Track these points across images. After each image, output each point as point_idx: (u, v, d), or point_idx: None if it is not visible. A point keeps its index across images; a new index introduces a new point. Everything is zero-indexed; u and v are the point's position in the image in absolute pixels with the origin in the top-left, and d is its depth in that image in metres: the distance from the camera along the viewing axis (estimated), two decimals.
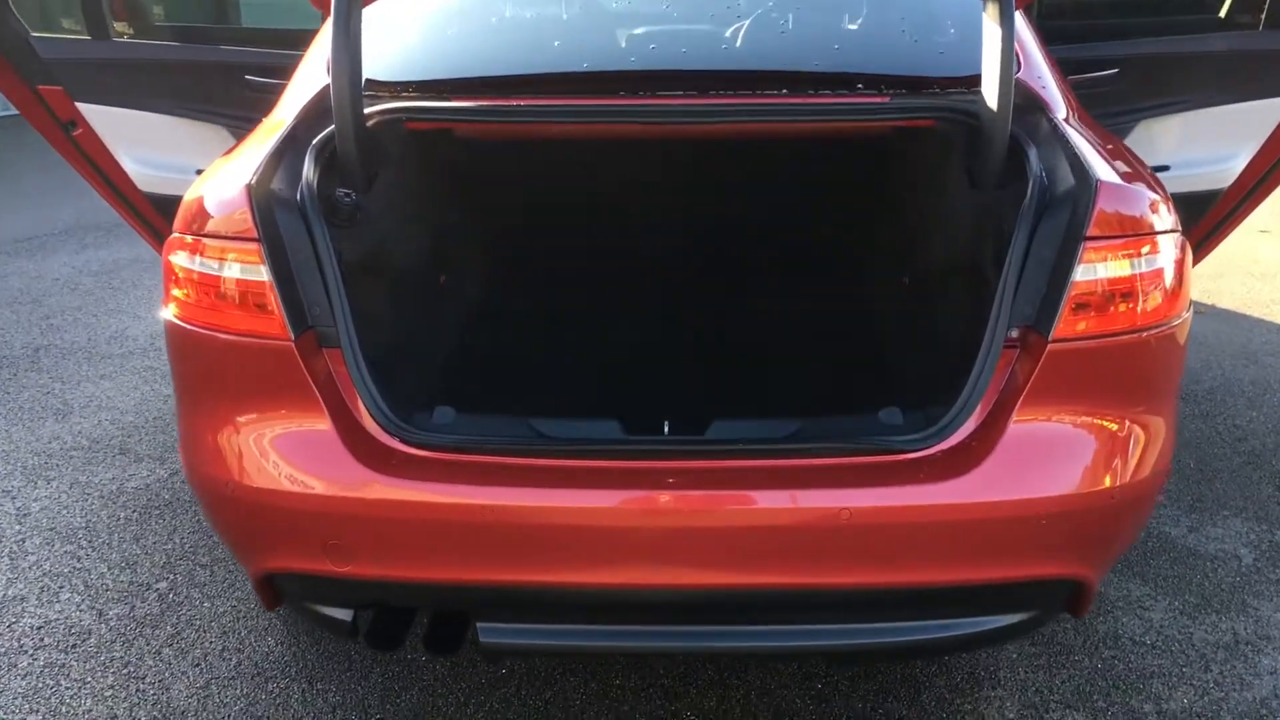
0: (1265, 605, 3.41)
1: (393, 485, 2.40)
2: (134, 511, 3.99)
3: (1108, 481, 2.41)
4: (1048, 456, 2.41)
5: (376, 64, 2.96)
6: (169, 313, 2.55)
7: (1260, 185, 4.12)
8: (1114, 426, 2.45)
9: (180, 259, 2.50)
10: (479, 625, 2.51)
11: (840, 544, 2.38)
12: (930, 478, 2.38)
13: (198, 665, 3.18)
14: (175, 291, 2.52)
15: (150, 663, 3.20)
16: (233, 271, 2.43)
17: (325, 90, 2.79)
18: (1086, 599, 2.57)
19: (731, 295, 3.89)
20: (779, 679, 3.09)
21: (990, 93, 2.61)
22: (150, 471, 4.28)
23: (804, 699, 3.02)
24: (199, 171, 3.05)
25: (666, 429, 2.58)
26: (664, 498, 2.38)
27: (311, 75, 3.03)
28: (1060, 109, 2.79)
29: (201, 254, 2.46)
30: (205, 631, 3.33)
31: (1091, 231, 2.35)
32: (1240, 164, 4.04)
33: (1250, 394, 4.92)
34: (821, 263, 3.99)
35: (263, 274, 2.40)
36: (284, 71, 3.25)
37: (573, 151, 3.64)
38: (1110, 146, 2.68)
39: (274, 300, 2.40)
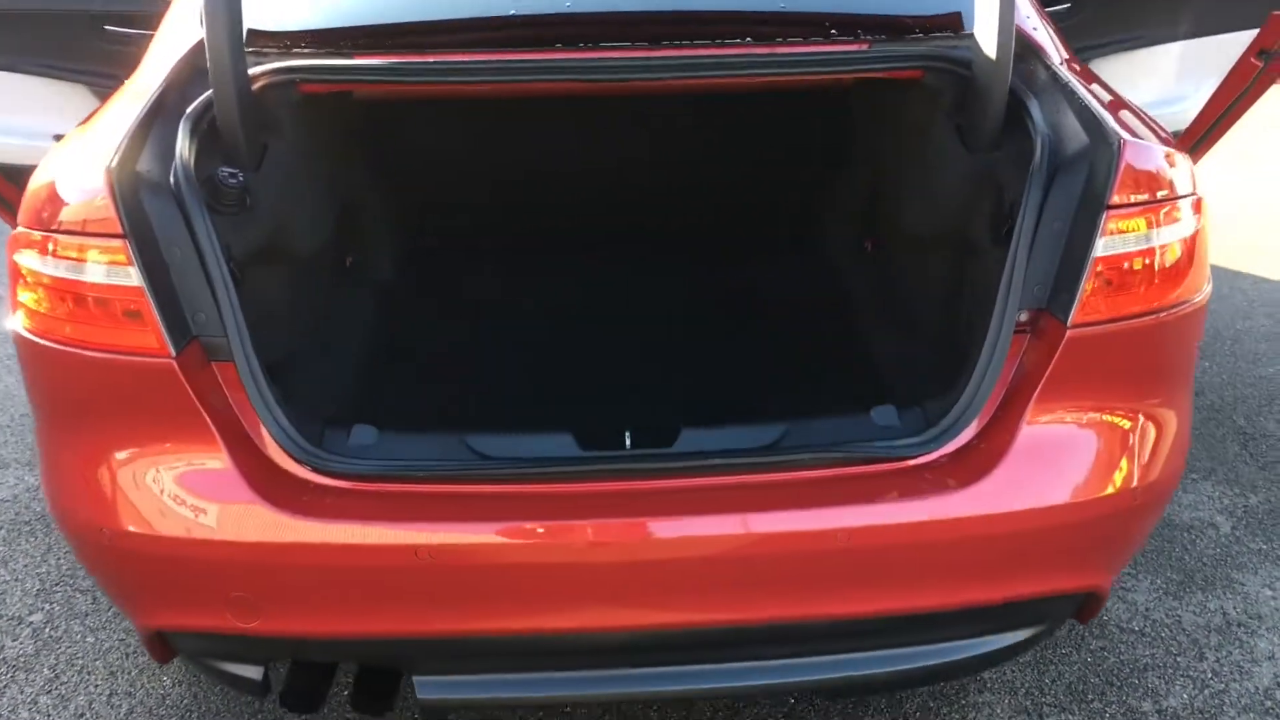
0: (1251, 579, 3.21)
1: (305, 525, 2.01)
2: None
3: (1132, 482, 2.12)
4: (1067, 457, 2.12)
5: (261, 11, 2.48)
6: (18, 323, 2.09)
7: (1216, 126, 3.87)
8: (1135, 420, 2.16)
9: (29, 259, 2.04)
10: (416, 679, 2.14)
11: (836, 569, 2.06)
12: (935, 488, 2.07)
13: (81, 716, 2.75)
14: (25, 297, 2.07)
15: (25, 715, 2.76)
16: (95, 274, 1.99)
17: (200, 46, 2.32)
18: (1097, 606, 2.30)
19: (695, 278, 3.49)
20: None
21: (986, 37, 2.26)
22: (18, 480, 3.78)
23: (776, 715, 2.72)
24: (57, 137, 2.58)
25: (628, 442, 2.21)
26: (628, 525, 2.03)
27: (181, 27, 2.54)
28: (1055, 53, 2.46)
29: (55, 253, 2.01)
30: (89, 673, 2.90)
31: (1115, 199, 2.03)
32: (1194, 106, 3.78)
33: (1201, 344, 4.72)
34: (796, 239, 3.63)
35: (132, 276, 1.97)
36: (149, 20, 2.76)
37: (502, 113, 3.22)
38: (1112, 98, 2.36)
39: (148, 308, 1.97)
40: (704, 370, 2.92)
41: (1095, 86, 2.37)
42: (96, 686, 2.85)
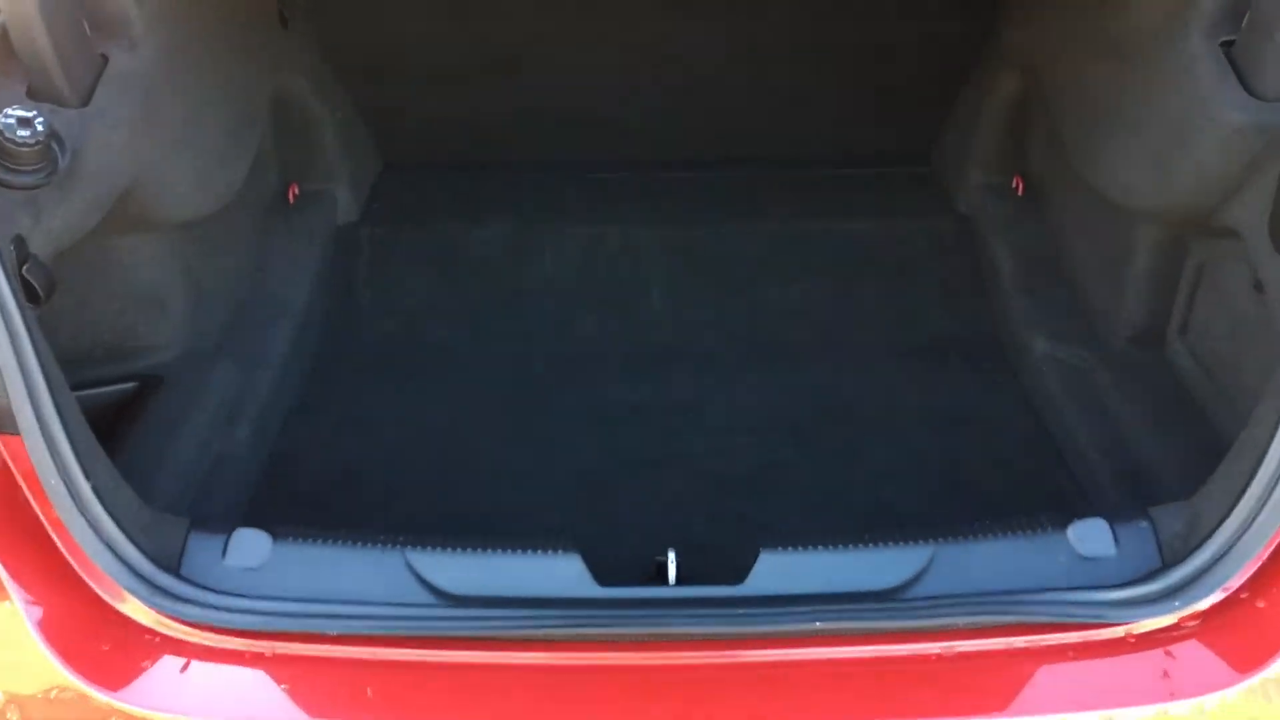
0: None
1: (150, 712, 1.21)
2: None
3: None
4: None
5: None
6: None
7: None
8: None
9: None
10: None
11: None
12: (1189, 678, 1.25)
13: None
14: None
15: None
16: None
17: None
18: None
19: (768, 235, 2.61)
20: None
21: None
22: None
23: None
24: None
25: (671, 568, 1.38)
26: None
27: None
28: None
29: None
30: None
31: None
32: None
33: None
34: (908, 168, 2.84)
35: None
36: None
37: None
38: None
39: None
40: (779, 440, 2.09)
41: None
42: None
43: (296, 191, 2.53)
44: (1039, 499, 1.88)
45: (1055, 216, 2.39)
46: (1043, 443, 2.04)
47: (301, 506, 1.88)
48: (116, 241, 1.83)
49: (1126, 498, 1.72)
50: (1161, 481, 1.70)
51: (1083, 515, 1.40)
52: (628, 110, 2.74)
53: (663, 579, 1.36)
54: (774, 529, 1.66)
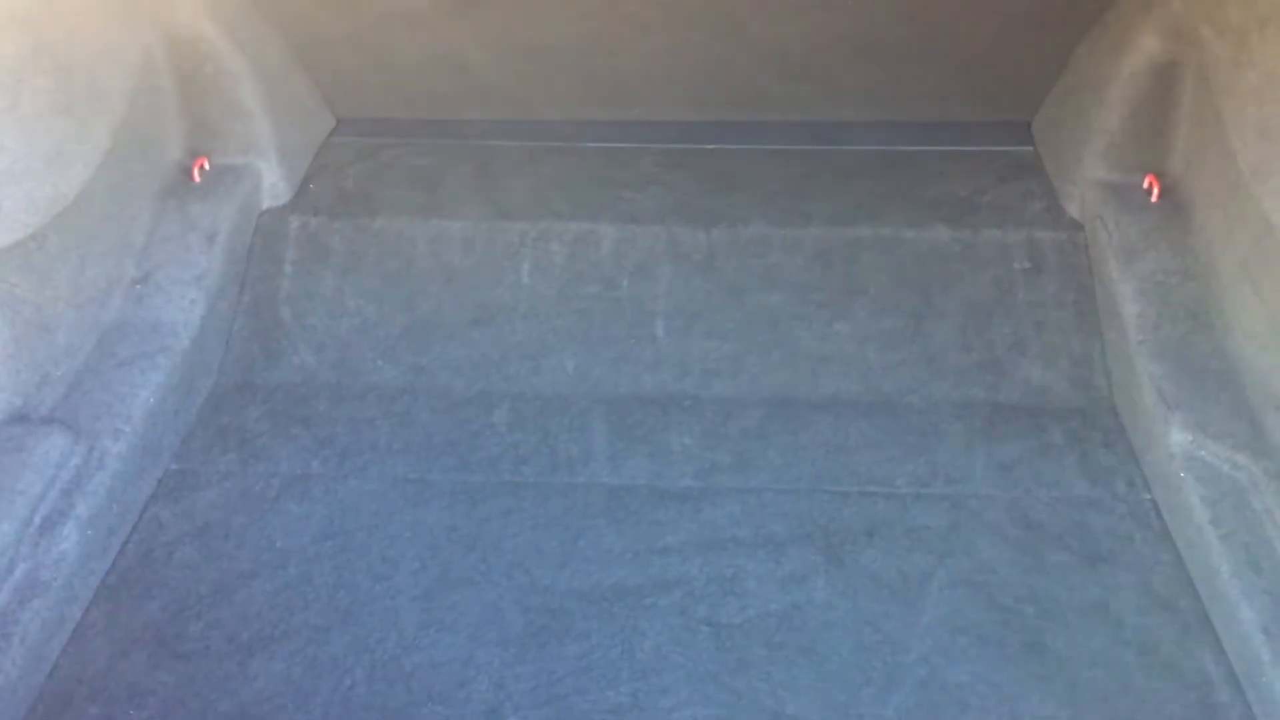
0: None
1: None
2: None
3: None
4: None
5: None
6: None
7: None
8: None
9: None
10: None
11: None
12: None
13: None
14: None
15: None
16: None
17: None
18: None
19: (780, 301, 1.95)
20: None
21: None
22: None
23: None
24: None
25: None
26: None
27: None
28: None
29: None
30: None
31: None
32: None
33: None
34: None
35: None
36: None
37: None
38: None
39: None
40: (821, 555, 1.54)
41: None
42: None
43: (205, 167, 1.97)
44: (1173, 691, 1.31)
45: (1205, 244, 1.74)
46: (1177, 595, 1.46)
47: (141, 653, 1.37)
48: None
49: None
50: None
51: None
52: (633, 58, 2.11)
53: None
54: None
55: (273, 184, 2.04)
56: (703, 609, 1.45)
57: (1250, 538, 1.41)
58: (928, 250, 1.93)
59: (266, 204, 2.03)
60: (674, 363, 1.84)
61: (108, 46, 1.66)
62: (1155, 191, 1.89)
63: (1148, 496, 1.61)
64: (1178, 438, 1.55)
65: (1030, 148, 2.16)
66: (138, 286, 1.77)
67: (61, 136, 1.55)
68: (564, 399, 1.79)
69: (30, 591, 1.36)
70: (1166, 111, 1.87)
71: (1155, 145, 1.91)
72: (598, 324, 1.89)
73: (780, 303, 1.89)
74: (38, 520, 1.41)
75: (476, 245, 1.97)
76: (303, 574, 1.50)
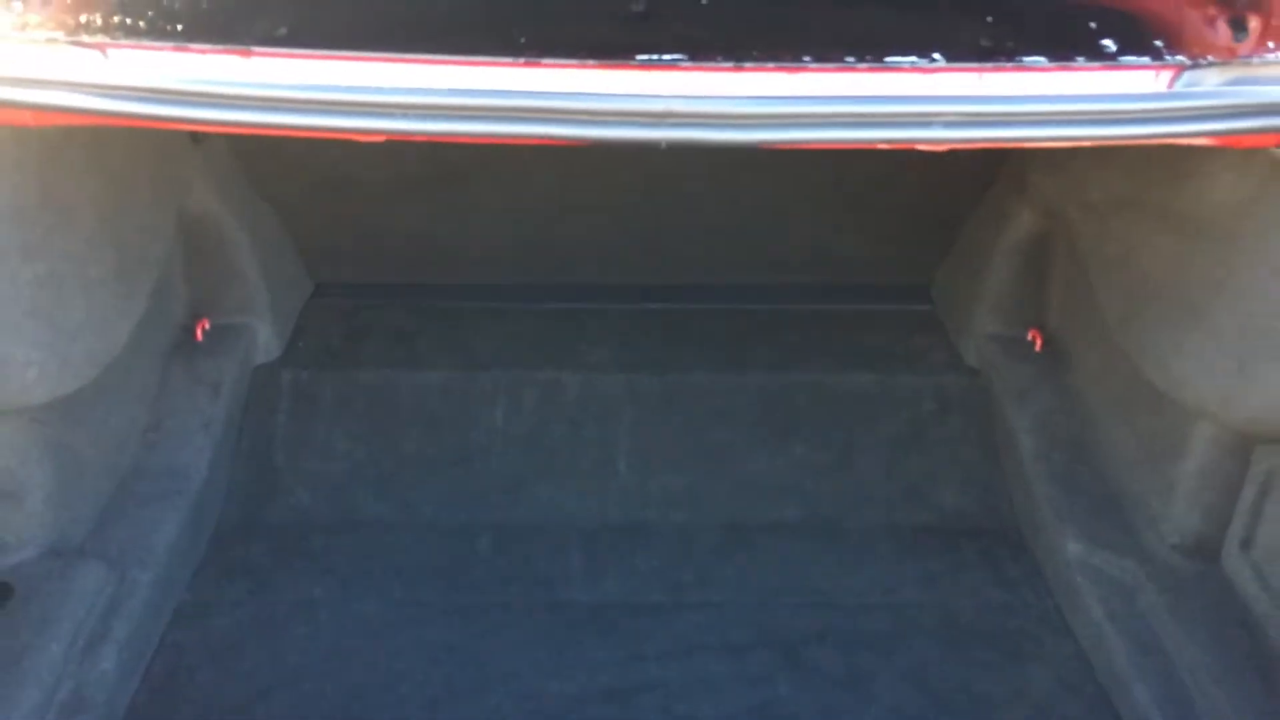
0: None
1: None
2: None
3: None
4: None
5: None
6: None
7: None
8: None
9: None
10: None
11: None
12: None
13: None
14: None
15: None
16: None
17: None
18: None
19: (727, 438, 2.21)
20: None
21: None
22: None
23: None
24: None
25: None
26: None
27: None
28: None
29: None
30: None
31: None
32: None
33: None
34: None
35: None
36: None
37: None
38: None
39: None
40: (782, 656, 1.77)
41: None
42: None
43: (206, 327, 2.17)
44: None
45: (1083, 387, 2.07)
46: (1083, 681, 1.72)
47: None
48: None
49: None
50: None
51: None
52: (592, 230, 2.41)
53: None
54: None
55: (266, 341, 2.24)
56: (683, 707, 1.65)
57: (1139, 628, 1.69)
58: (851, 393, 2.23)
59: (260, 359, 2.23)
60: (636, 494, 2.08)
61: (149, 223, 1.89)
62: (1038, 342, 2.22)
63: (1051, 601, 1.88)
64: (1073, 549, 1.84)
65: (929, 305, 2.50)
66: (150, 434, 1.95)
67: (115, 298, 1.76)
68: (540, 527, 2.01)
69: (76, 707, 1.50)
70: (1044, 274, 2.22)
71: (1036, 303, 2.25)
72: (566, 461, 2.12)
73: (728, 439, 2.15)
74: (81, 643, 1.56)
75: (453, 393, 2.20)
76: (316, 689, 1.67)
